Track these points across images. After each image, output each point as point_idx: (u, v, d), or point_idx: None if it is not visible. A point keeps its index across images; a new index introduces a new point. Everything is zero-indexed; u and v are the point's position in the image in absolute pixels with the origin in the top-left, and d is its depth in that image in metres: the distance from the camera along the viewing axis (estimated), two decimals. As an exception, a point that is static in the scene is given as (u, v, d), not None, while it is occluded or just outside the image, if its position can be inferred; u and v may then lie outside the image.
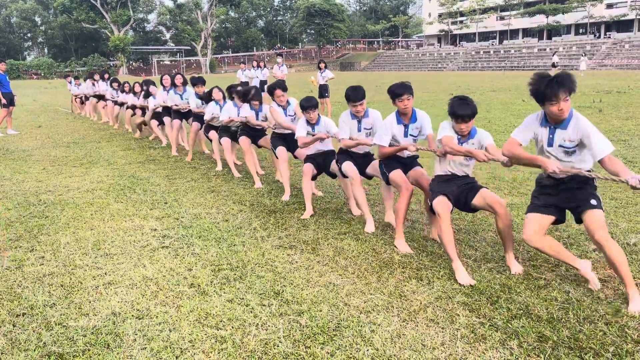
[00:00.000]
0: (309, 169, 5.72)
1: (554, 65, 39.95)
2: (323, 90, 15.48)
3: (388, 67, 67.92)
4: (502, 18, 73.07)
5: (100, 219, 5.51)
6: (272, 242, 4.71)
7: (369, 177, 5.45)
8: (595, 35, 63.35)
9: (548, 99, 3.36)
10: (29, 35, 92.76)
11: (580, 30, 67.05)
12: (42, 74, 68.19)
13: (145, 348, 3.01)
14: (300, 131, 5.68)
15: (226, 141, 7.64)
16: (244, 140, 7.11)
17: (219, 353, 2.95)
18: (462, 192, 4.16)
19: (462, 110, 3.94)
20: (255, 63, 19.08)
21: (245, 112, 7.04)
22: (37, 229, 5.22)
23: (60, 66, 71.30)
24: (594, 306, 3.34)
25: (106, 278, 4.00)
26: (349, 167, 5.18)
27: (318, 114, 5.69)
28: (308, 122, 5.72)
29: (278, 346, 3.00)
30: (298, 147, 5.95)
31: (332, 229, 5.03)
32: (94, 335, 3.16)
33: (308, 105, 5.59)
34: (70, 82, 17.42)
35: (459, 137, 4.10)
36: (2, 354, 2.99)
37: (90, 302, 3.59)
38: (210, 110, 7.91)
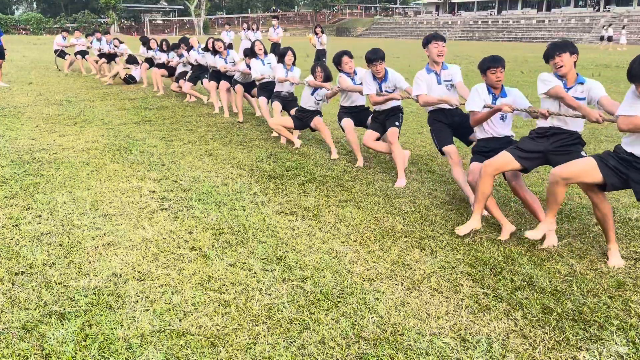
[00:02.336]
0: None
1: (603, 39, 36.36)
2: (321, 55, 15.25)
3: (385, 34, 66.80)
4: (501, -13, 71.86)
5: (97, 179, 5.42)
6: (273, 208, 4.67)
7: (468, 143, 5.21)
8: (594, 8, 62.54)
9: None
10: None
11: (580, 3, 66.17)
12: (31, 30, 66.41)
13: (148, 310, 2.98)
14: (370, 88, 5.43)
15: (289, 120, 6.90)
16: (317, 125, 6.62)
17: (222, 317, 2.93)
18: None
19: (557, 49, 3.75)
20: (245, 25, 18.69)
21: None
22: (32, 187, 5.13)
23: (49, 22, 69.39)
24: (597, 279, 3.35)
25: (105, 239, 3.94)
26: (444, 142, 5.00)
27: (385, 68, 5.41)
28: (374, 77, 5.45)
29: (282, 311, 2.99)
30: (364, 119, 6.02)
31: (332, 196, 4.99)
32: (95, 296, 3.12)
33: (375, 57, 5.30)
34: (63, 39, 16.46)
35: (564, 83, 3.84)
36: (2, 312, 2.95)
37: (90, 263, 3.55)
38: (258, 69, 7.80)
